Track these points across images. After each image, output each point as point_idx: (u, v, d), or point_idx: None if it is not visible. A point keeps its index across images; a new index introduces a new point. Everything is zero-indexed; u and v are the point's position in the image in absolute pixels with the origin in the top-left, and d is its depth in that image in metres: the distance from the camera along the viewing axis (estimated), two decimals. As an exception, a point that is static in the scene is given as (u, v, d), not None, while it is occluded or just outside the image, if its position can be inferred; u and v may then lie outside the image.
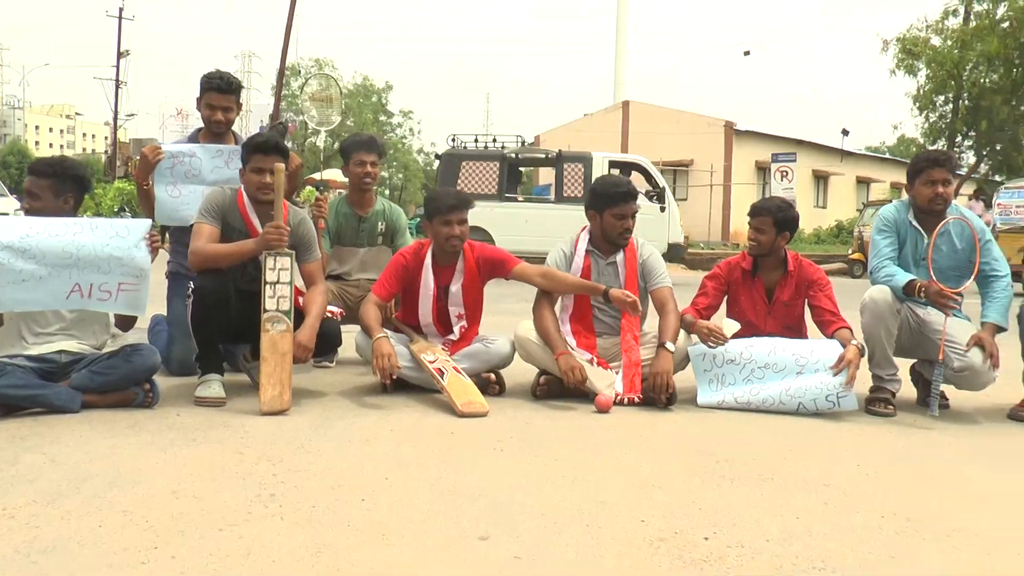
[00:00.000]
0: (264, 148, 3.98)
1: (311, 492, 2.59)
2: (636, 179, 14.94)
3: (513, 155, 15.78)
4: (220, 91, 4.62)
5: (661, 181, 15.42)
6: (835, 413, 3.99)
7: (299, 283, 4.08)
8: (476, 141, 16.11)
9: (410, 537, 2.23)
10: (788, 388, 4.02)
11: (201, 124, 4.80)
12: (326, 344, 4.13)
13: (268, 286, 3.79)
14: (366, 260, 5.11)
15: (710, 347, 4.15)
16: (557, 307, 4.40)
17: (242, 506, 2.43)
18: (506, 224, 14.67)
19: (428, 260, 4.31)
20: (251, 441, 3.19)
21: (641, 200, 14.91)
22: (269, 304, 3.79)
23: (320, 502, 2.49)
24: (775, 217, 4.32)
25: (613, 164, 15.53)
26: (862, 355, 4.06)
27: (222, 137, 4.72)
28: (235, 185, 4.16)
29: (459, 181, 15.25)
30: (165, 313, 4.73)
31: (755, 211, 4.38)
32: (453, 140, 16.28)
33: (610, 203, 4.33)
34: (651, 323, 4.55)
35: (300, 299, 4.07)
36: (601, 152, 15.79)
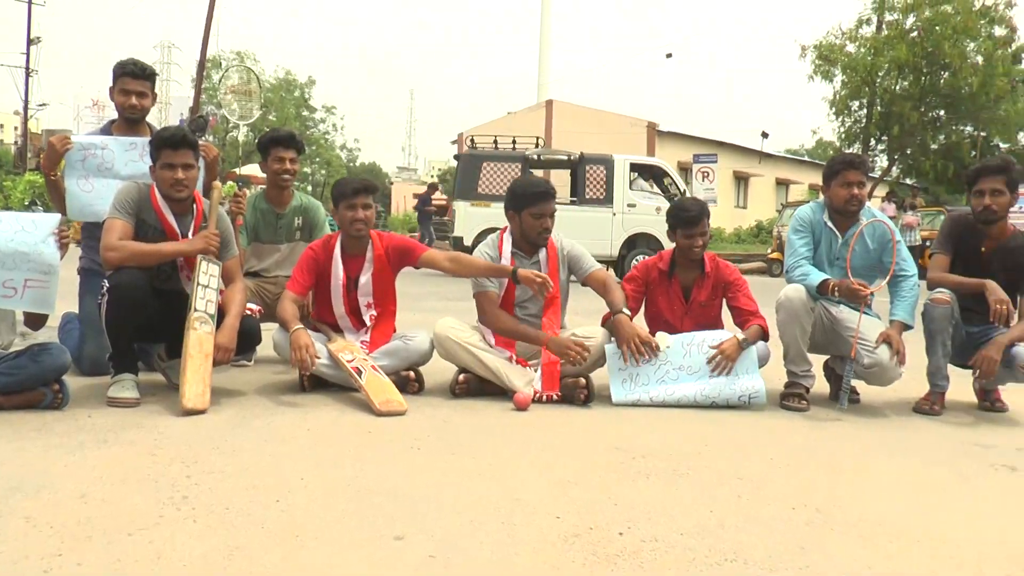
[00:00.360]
0: (172, 143, 3.88)
1: (225, 494, 2.55)
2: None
3: (535, 156, 15.76)
4: (134, 76, 4.55)
5: (682, 184, 15.75)
6: (751, 409, 4.11)
7: None
8: (495, 144, 16.04)
9: (325, 538, 2.22)
10: (702, 388, 4.13)
11: (116, 116, 4.69)
12: (245, 342, 4.07)
13: (200, 288, 3.82)
14: (284, 257, 5.06)
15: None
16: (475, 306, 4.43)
17: (153, 509, 2.38)
18: None
19: (337, 251, 4.31)
20: (165, 442, 3.13)
21: (662, 204, 15.07)
22: (199, 304, 3.80)
23: (234, 504, 2.46)
24: (707, 216, 4.48)
25: (635, 167, 15.69)
26: (742, 349, 4.17)
27: (137, 126, 4.62)
28: (149, 180, 4.06)
29: (480, 182, 15.20)
30: (76, 311, 4.61)
31: (694, 219, 4.40)
32: (472, 142, 16.18)
33: (528, 203, 4.35)
34: (570, 319, 4.61)
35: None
36: (622, 155, 15.93)
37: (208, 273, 3.86)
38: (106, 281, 3.77)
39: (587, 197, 15.19)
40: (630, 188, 15.40)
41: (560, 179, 15.24)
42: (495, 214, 15.69)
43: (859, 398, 4.45)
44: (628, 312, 4.23)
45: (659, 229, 14.83)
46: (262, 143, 5.08)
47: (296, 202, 5.07)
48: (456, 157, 16.16)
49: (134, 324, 3.79)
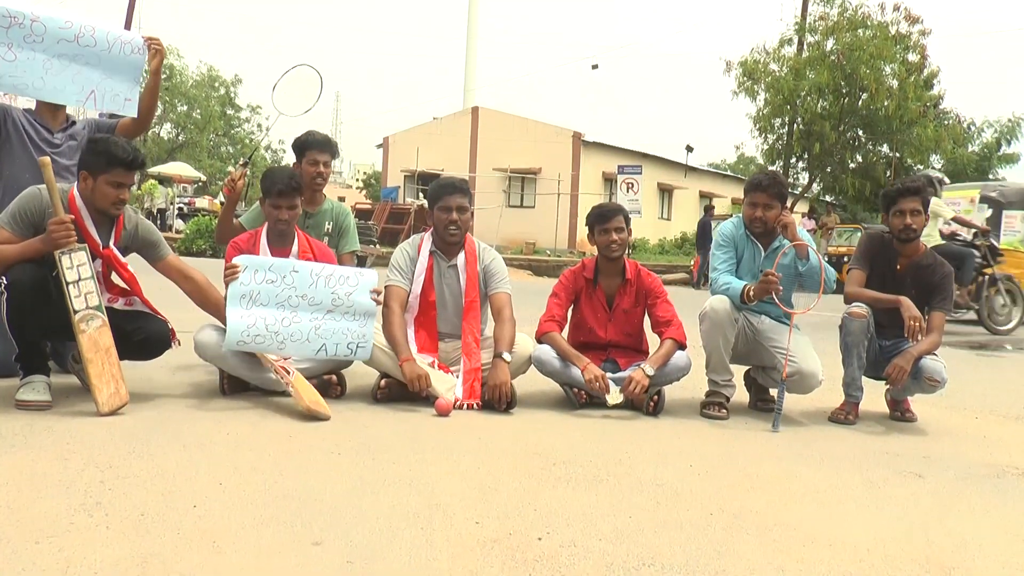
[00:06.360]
0: (131, 165, 3.81)
1: (140, 499, 2.50)
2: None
3: None
4: None
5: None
6: (674, 416, 4.20)
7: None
8: None
9: (241, 544, 2.20)
10: (318, 327, 4.07)
11: (30, 106, 4.52)
12: (156, 348, 3.98)
13: (71, 286, 3.58)
14: None
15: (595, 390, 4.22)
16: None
17: (64, 516, 2.32)
18: None
19: (264, 242, 4.31)
20: (77, 446, 3.04)
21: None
22: (78, 304, 3.59)
23: (149, 510, 2.41)
24: (624, 214, 4.55)
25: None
26: (649, 378, 4.19)
27: (57, 111, 4.46)
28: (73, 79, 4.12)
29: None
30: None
31: (607, 214, 4.50)
32: None
33: (435, 200, 4.47)
34: (491, 328, 4.63)
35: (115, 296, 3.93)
36: None
37: (75, 265, 3.60)
38: (4, 278, 3.60)
39: None
40: None
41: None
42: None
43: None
44: (508, 358, 4.18)
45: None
46: (297, 145, 4.94)
47: (327, 205, 4.96)
48: None
49: (37, 322, 3.64)
